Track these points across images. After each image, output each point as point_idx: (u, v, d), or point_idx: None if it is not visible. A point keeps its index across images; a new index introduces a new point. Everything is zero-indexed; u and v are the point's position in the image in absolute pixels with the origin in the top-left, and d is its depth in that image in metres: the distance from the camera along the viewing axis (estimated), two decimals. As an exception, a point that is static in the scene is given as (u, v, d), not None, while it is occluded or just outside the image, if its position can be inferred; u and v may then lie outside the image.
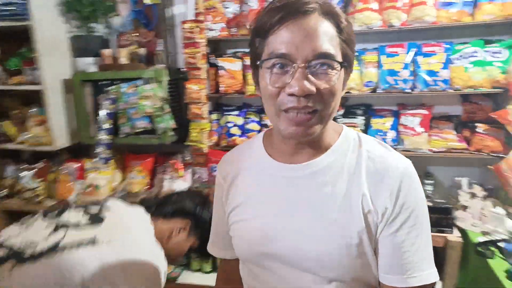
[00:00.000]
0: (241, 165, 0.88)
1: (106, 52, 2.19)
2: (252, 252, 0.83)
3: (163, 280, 1.13)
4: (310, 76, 0.67)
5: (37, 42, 2.03)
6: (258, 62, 0.72)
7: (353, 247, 0.72)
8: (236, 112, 2.13)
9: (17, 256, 1.08)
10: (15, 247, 1.11)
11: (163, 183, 2.24)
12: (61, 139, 2.21)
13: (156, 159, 2.37)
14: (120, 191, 2.28)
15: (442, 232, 1.81)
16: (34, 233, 1.16)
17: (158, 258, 1.14)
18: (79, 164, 2.34)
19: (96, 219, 1.20)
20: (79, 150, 2.49)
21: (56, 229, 1.14)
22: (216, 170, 0.95)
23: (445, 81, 1.79)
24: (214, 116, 2.19)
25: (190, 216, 1.35)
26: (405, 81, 1.83)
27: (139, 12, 2.22)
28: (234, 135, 2.10)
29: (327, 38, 0.67)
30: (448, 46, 1.79)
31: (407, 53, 1.84)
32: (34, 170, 2.33)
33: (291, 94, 0.67)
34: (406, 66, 1.84)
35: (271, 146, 0.84)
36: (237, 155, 0.92)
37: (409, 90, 1.85)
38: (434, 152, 1.88)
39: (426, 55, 1.82)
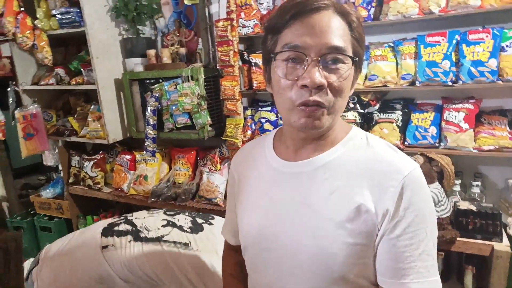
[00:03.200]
0: (250, 160, 0.94)
1: (151, 52, 2.34)
2: (251, 244, 0.87)
3: None
4: (322, 69, 0.69)
5: (91, 45, 2.24)
6: (272, 55, 0.74)
7: (350, 246, 0.71)
8: (269, 108, 2.14)
9: (135, 234, 1.45)
10: (137, 226, 1.49)
11: (203, 175, 2.35)
12: (114, 133, 2.43)
13: (198, 153, 2.49)
14: (165, 181, 2.44)
15: (489, 239, 1.65)
16: (153, 221, 1.53)
17: None
18: (131, 156, 2.56)
19: (196, 229, 1.53)
20: (132, 143, 2.72)
21: (166, 224, 1.50)
22: (231, 162, 1.02)
23: (493, 72, 1.60)
24: (248, 112, 2.23)
25: None
26: (446, 73, 1.67)
27: (180, 13, 2.32)
28: (267, 130, 2.11)
29: (339, 33, 0.69)
30: (497, 32, 1.59)
31: (449, 42, 1.67)
32: (94, 160, 2.61)
33: (303, 86, 0.69)
34: (447, 57, 1.67)
35: (279, 143, 0.88)
36: (249, 150, 0.98)
37: (451, 83, 1.68)
38: (481, 150, 1.70)
39: (471, 43, 1.63)
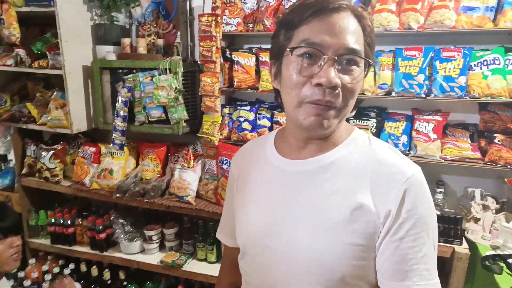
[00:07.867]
0: (251, 159, 0.93)
1: (126, 41, 2.23)
2: (251, 243, 0.86)
3: None
4: (337, 70, 0.69)
5: (60, 28, 2.09)
6: (288, 49, 0.73)
7: (350, 246, 0.72)
8: (248, 107, 2.13)
9: None
10: None
11: (174, 172, 2.28)
12: (79, 123, 2.28)
13: (169, 149, 2.42)
14: (133, 177, 2.34)
15: (450, 242, 1.77)
16: None
17: None
18: (95, 148, 2.41)
19: None
20: (97, 135, 2.58)
21: None
22: (232, 160, 1.02)
23: (462, 88, 1.73)
24: (226, 110, 2.21)
25: None
26: (420, 85, 1.78)
27: (159, 4, 2.24)
28: (245, 129, 2.11)
29: (356, 36, 0.71)
30: (467, 52, 1.73)
31: (425, 57, 1.78)
32: (53, 151, 2.43)
33: (318, 84, 0.69)
34: (422, 70, 1.79)
35: (281, 142, 0.88)
36: (250, 148, 0.98)
37: (424, 95, 1.80)
38: (446, 160, 1.83)
39: (444, 60, 1.76)
